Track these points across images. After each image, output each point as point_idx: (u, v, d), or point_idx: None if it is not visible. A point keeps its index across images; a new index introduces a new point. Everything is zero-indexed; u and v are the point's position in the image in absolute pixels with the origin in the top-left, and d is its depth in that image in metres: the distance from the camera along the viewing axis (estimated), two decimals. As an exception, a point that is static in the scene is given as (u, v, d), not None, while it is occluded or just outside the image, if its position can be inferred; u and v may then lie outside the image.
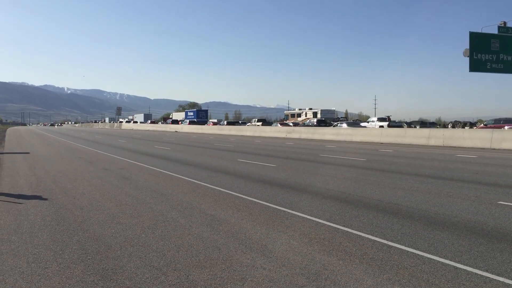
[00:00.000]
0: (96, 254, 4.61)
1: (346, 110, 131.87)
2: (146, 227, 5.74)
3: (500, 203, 7.23)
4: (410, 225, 5.81)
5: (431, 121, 68.46)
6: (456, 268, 4.14)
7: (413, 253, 4.60)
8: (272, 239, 5.15)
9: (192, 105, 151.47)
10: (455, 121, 63.40)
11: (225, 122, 68.97)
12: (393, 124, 43.10)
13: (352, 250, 4.71)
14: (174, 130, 60.92)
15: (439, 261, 4.32)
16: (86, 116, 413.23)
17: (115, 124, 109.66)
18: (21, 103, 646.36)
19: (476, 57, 25.52)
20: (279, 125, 49.96)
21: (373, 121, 46.95)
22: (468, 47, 25.49)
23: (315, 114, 62.37)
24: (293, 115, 70.95)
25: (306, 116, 62.82)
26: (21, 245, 4.97)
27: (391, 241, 5.03)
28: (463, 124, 55.73)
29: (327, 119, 56.05)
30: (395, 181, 9.88)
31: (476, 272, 4.03)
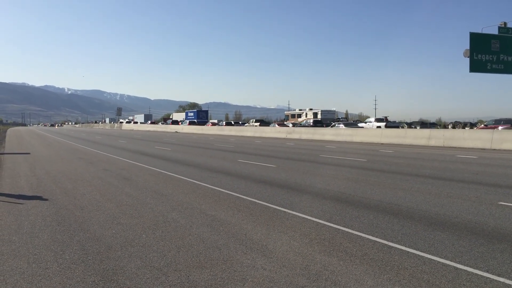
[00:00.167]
0: (96, 255, 4.61)
1: (347, 111, 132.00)
2: (147, 228, 5.74)
3: (501, 204, 7.23)
4: (411, 225, 5.81)
5: (431, 121, 68.50)
6: (456, 268, 4.14)
7: (413, 253, 4.60)
8: (273, 240, 5.15)
9: (192, 105, 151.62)
10: (456, 121, 63.37)
11: (224, 122, 69.68)
12: (390, 125, 43.38)
13: (353, 251, 4.71)
14: (174, 131, 60.95)
15: (439, 262, 4.32)
16: (86, 116, 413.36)
17: (116, 124, 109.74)
18: (21, 104, 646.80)
19: (476, 58, 25.53)
20: (276, 125, 50.10)
21: (370, 122, 47.21)
22: (468, 47, 25.50)
23: (315, 115, 62.38)
24: (293, 116, 70.92)
25: (306, 116, 62.84)
26: (22, 246, 4.98)
27: (392, 241, 5.03)
28: (464, 125, 55.71)
29: (327, 120, 56.17)
30: (396, 182, 9.88)
31: (477, 272, 4.03)
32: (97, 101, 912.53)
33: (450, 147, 22.43)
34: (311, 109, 66.50)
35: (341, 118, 76.76)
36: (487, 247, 4.81)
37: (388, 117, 53.08)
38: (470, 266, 4.18)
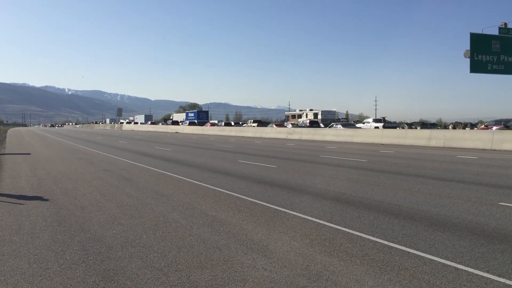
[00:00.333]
0: (97, 255, 4.61)
1: (347, 111, 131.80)
2: (147, 228, 5.75)
3: (501, 204, 7.23)
4: (411, 226, 5.81)
5: (431, 122, 68.49)
6: (457, 269, 4.14)
7: (414, 254, 4.60)
8: (273, 240, 5.15)
9: (193, 106, 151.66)
10: (456, 122, 63.32)
11: (223, 123, 70.51)
12: (388, 125, 43.62)
13: (353, 251, 4.71)
14: (174, 131, 60.96)
15: (440, 262, 4.32)
16: (86, 117, 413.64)
17: (116, 125, 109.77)
18: (22, 104, 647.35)
19: (476, 58, 25.54)
20: (274, 126, 50.24)
21: (368, 122, 47.48)
22: (469, 48, 25.51)
23: (315, 115, 62.40)
24: (293, 116, 70.92)
25: (307, 117, 62.85)
26: (23, 246, 4.98)
27: (392, 242, 5.03)
28: (464, 125, 55.67)
29: (327, 120, 56.25)
30: (396, 182, 9.88)
31: (477, 273, 4.03)
32: (98, 102, 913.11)
33: (450, 147, 22.43)
34: (311, 110, 66.50)
35: (342, 118, 76.81)
36: (487, 248, 4.81)
37: (386, 118, 53.39)
38: (471, 267, 4.18)
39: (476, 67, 25.79)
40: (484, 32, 26.11)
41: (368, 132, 30.89)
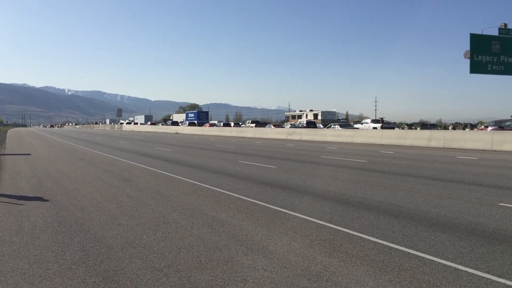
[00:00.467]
0: (97, 255, 4.61)
1: (347, 112, 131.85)
2: (147, 229, 5.75)
3: (501, 205, 7.23)
4: (411, 226, 5.81)
5: (431, 122, 68.51)
6: (457, 269, 4.14)
7: (414, 254, 4.60)
8: (273, 241, 5.15)
9: (193, 106, 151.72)
10: (456, 122, 63.32)
11: (222, 123, 71.13)
12: (386, 126, 43.75)
13: (353, 252, 4.71)
14: (174, 132, 60.98)
15: (440, 263, 4.32)
16: (86, 117, 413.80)
17: (116, 125, 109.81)
18: (22, 105, 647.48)
19: (476, 59, 25.57)
20: (272, 126, 50.35)
21: (366, 123, 47.57)
22: (468, 49, 25.53)
23: (315, 116, 62.44)
24: (293, 117, 70.94)
25: (307, 117, 62.88)
26: (23, 246, 4.98)
27: (392, 242, 5.03)
28: (464, 126, 55.67)
29: (327, 121, 56.29)
30: (396, 183, 9.88)
31: (477, 273, 4.03)
32: (98, 102, 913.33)
33: (450, 148, 22.43)
34: (311, 110, 66.54)
35: (342, 119, 76.82)
36: (487, 248, 4.81)
37: (384, 118, 53.61)
38: (471, 267, 4.18)
39: (476, 67, 25.82)
40: (484, 33, 26.16)
41: (369, 133, 30.90)
